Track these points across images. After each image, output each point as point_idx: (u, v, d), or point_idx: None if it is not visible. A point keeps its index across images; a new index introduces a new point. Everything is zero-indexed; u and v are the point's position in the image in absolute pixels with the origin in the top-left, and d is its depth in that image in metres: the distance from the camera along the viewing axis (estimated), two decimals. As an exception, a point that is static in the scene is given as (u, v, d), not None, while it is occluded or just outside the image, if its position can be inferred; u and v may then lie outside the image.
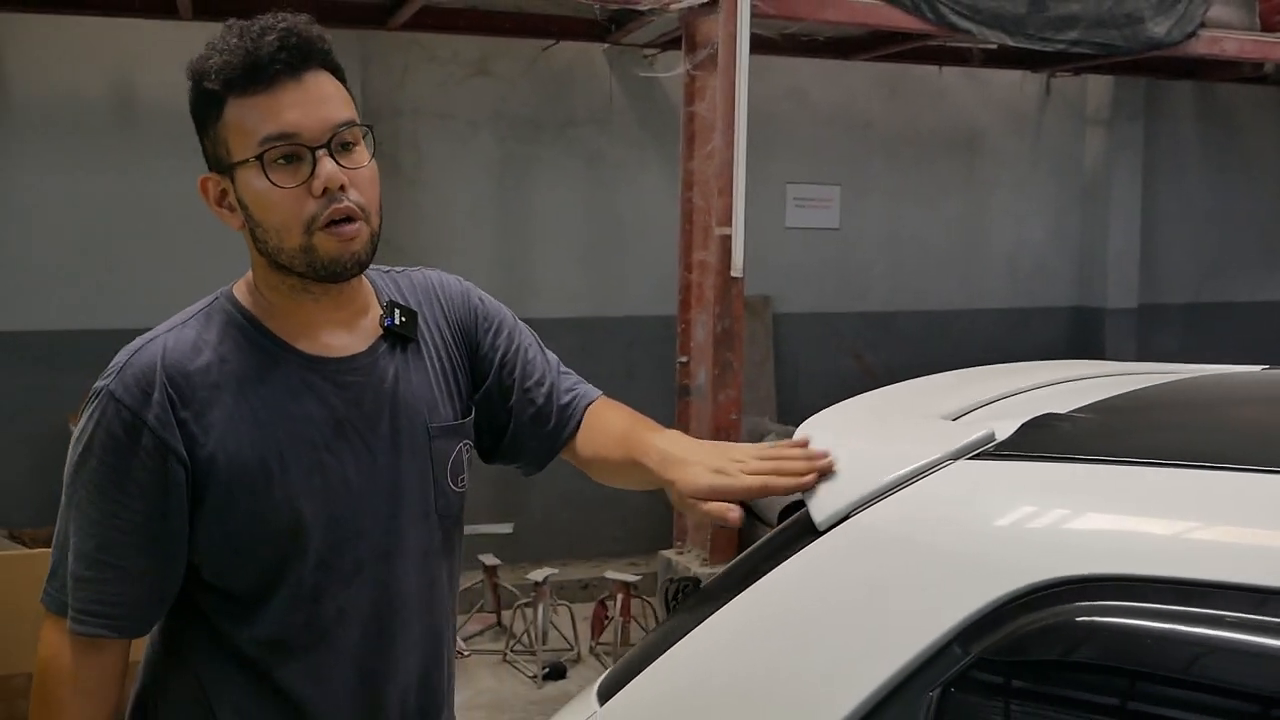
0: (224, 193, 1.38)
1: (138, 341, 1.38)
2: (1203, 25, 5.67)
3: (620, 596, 4.87)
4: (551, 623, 4.93)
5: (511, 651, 4.99)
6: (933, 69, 6.53)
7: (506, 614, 5.18)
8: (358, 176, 1.35)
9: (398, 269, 1.58)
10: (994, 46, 5.83)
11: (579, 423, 1.59)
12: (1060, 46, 5.48)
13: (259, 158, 1.31)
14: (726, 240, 4.66)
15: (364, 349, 1.45)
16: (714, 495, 1.36)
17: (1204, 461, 1.12)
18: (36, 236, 5.16)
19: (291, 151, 1.32)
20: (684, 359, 5.00)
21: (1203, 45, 5.72)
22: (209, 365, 1.36)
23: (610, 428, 1.56)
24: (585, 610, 5.17)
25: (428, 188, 5.78)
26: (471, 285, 1.63)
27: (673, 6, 4.74)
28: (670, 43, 5.54)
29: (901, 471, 1.24)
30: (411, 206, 5.75)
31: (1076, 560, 1.05)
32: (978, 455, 1.25)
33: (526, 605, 4.98)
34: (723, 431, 4.74)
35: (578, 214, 6.07)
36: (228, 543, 1.37)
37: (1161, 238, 7.39)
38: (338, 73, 1.38)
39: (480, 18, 5.48)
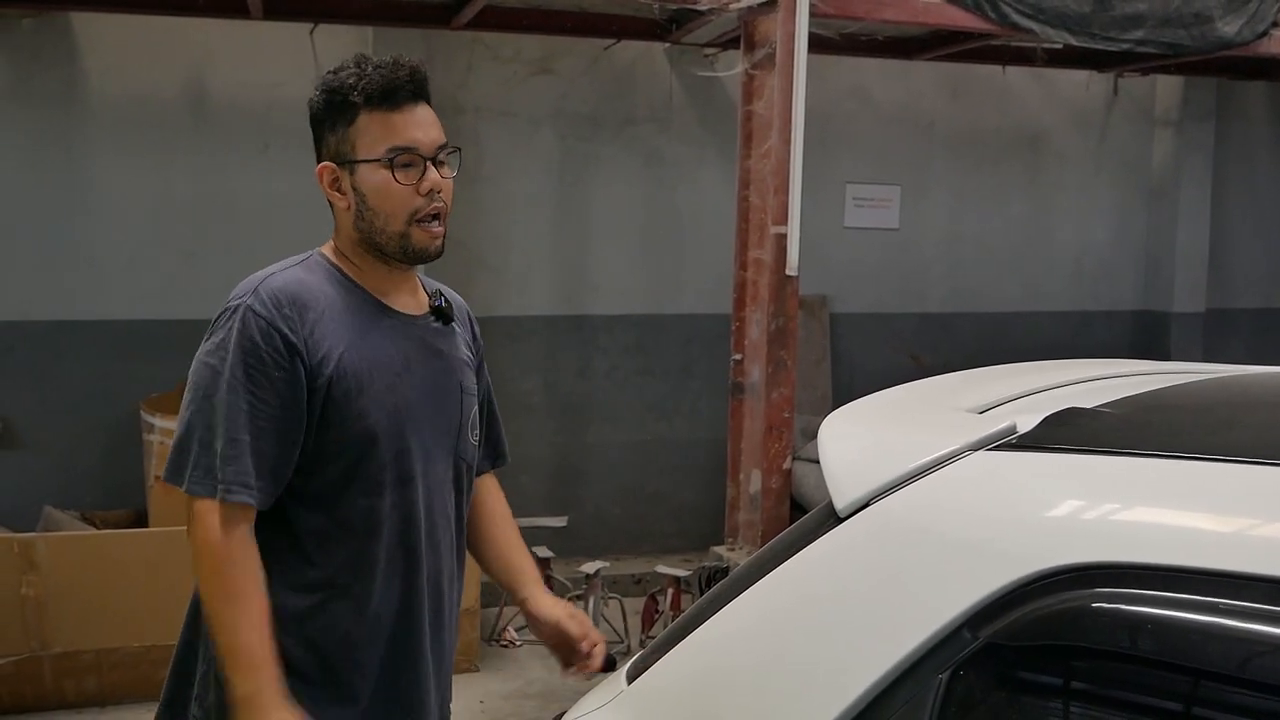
0: (337, 179, 1.78)
1: (258, 275, 1.75)
2: (1275, 25, 5.55)
3: (671, 591, 4.91)
4: (603, 615, 4.98)
5: (563, 643, 5.04)
6: (996, 69, 6.47)
7: (559, 606, 5.24)
8: (447, 187, 1.79)
9: (436, 283, 2.00)
10: (1058, 46, 5.76)
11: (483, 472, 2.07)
12: (1126, 46, 5.39)
13: (390, 161, 1.73)
14: (782, 239, 4.67)
15: (421, 314, 1.88)
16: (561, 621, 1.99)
17: (1220, 455, 1.13)
18: (111, 229, 5.32)
19: (410, 160, 1.74)
20: (738, 356, 5.02)
21: (1275, 45, 5.59)
22: (318, 297, 1.74)
23: (500, 512, 2.10)
24: (636, 604, 5.21)
25: (489, 184, 5.85)
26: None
27: (732, 6, 4.76)
28: (730, 42, 5.56)
29: (922, 460, 1.27)
30: (472, 202, 5.83)
31: (1087, 548, 1.06)
32: (998, 446, 1.27)
33: (578, 597, 5.03)
34: (775, 429, 4.76)
35: (636, 212, 6.12)
36: (325, 431, 1.72)
37: (1231, 241, 7.25)
38: (431, 104, 1.82)
39: (542, 17, 5.54)
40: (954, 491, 1.22)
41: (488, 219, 5.86)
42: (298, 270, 1.78)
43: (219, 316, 1.74)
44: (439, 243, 1.79)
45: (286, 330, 1.68)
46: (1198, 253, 7.05)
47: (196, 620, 1.80)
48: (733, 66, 5.24)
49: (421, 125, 1.76)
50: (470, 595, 4.70)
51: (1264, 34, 5.52)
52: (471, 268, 5.76)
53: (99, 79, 5.30)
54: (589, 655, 2.01)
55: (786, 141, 4.64)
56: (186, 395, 1.73)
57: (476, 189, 5.84)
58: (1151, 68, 6.41)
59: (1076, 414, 1.32)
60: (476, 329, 2.03)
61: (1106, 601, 1.02)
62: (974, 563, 1.12)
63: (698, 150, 6.13)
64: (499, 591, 5.29)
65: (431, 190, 1.75)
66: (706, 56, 5.95)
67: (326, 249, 1.84)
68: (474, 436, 1.93)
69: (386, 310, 1.81)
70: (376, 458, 1.75)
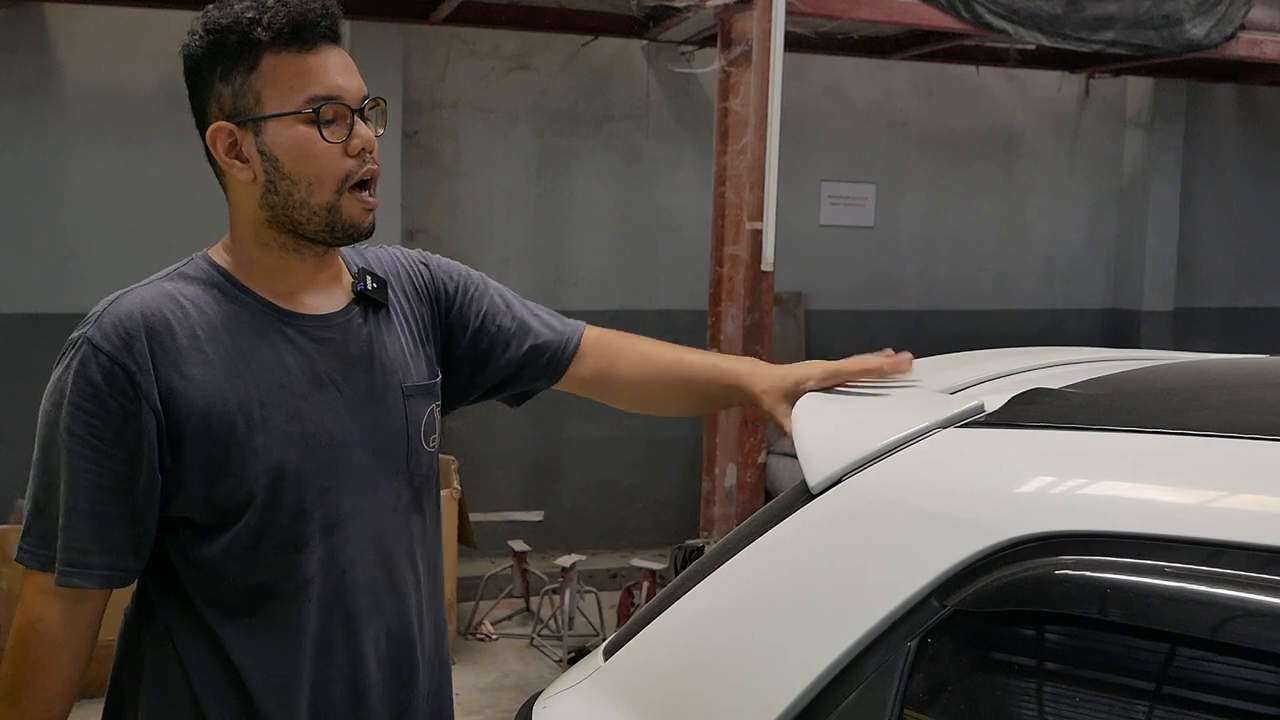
0: (235, 143, 1.42)
1: (115, 294, 1.41)
2: (1243, 27, 5.63)
3: (646, 584, 4.94)
4: (578, 609, 5.01)
5: (539, 636, 5.07)
6: (970, 69, 6.54)
7: (535, 600, 5.26)
8: (377, 148, 1.46)
9: (361, 246, 1.62)
10: (1031, 47, 5.83)
11: (576, 345, 1.70)
12: (1097, 47, 5.47)
13: (315, 112, 1.38)
14: (757, 235, 4.71)
15: (338, 309, 1.51)
16: (799, 387, 1.56)
17: (1175, 428, 1.17)
18: (88, 221, 5.31)
19: (337, 113, 1.40)
20: (713, 351, 5.05)
21: (1243, 47, 5.68)
22: (187, 316, 1.39)
23: (647, 352, 1.70)
24: (612, 598, 5.24)
25: (466, 179, 5.87)
26: (431, 254, 1.70)
27: (709, 3, 4.79)
28: (707, 39, 5.60)
29: (892, 438, 1.30)
30: (450, 198, 5.85)
31: (1049, 517, 1.10)
32: (967, 424, 1.30)
33: (554, 591, 5.06)
34: (749, 424, 4.79)
35: (614, 208, 6.15)
36: (211, 485, 1.39)
37: (1199, 241, 7.35)
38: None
39: (521, 13, 5.56)
40: (923, 467, 1.25)
41: (465, 214, 5.87)
42: (164, 284, 1.42)
43: (65, 348, 1.39)
44: (372, 217, 1.45)
45: (135, 370, 1.34)
46: (1167, 252, 7.15)
47: (129, 651, 1.49)
48: (710, 64, 5.27)
49: (344, 70, 1.41)
50: (446, 588, 4.71)
51: (1232, 36, 5.60)
52: (448, 263, 5.76)
53: (74, 70, 5.28)
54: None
55: (762, 138, 4.67)
56: (37, 441, 1.40)
57: (454, 184, 5.85)
58: (1122, 69, 6.49)
59: (1042, 394, 1.35)
60: (429, 272, 1.65)
61: (1069, 568, 1.05)
62: (941, 534, 1.15)
63: (675, 147, 6.17)
64: (475, 585, 5.35)
65: (363, 150, 1.41)
66: (683, 54, 5.98)
67: (214, 249, 1.49)
68: (430, 443, 1.57)
69: (286, 316, 1.45)
70: (289, 505, 1.41)
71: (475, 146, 5.86)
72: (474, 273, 1.72)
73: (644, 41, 5.91)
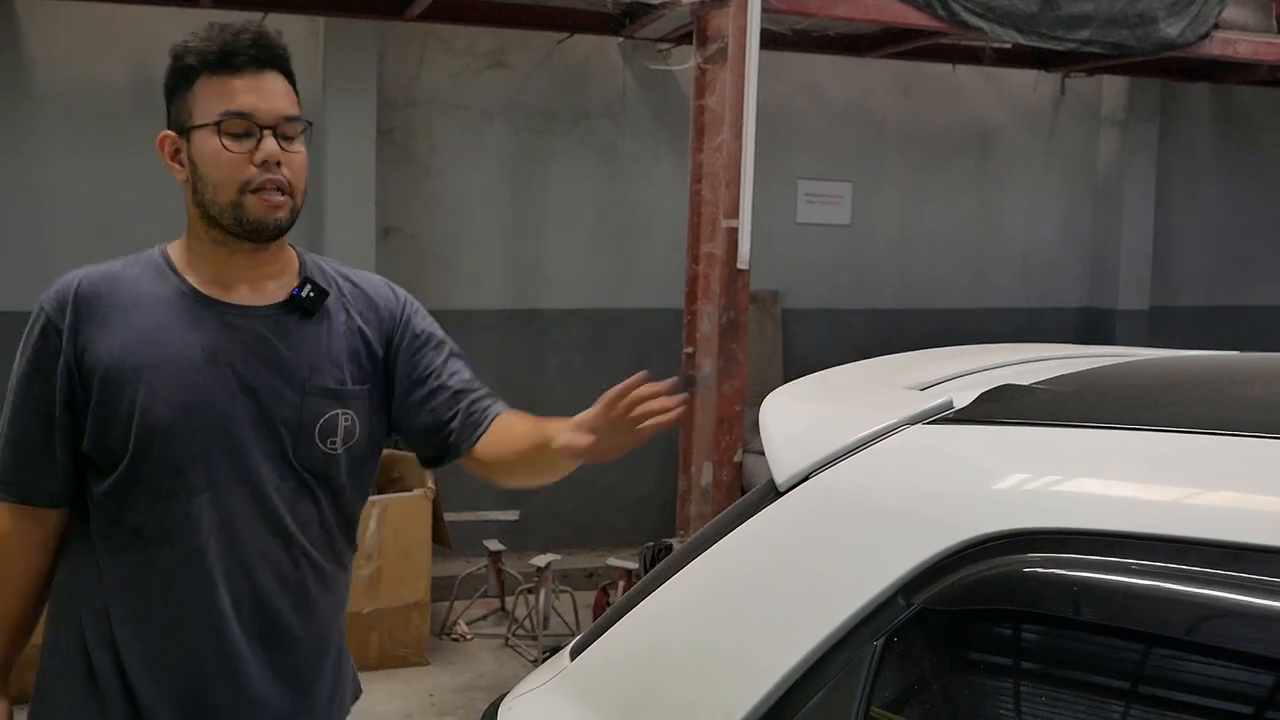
0: (177, 150, 1.69)
1: (72, 270, 1.71)
2: (1217, 26, 5.65)
3: (622, 584, 4.92)
4: (554, 608, 4.99)
5: (514, 635, 5.04)
6: (946, 67, 6.54)
7: (510, 599, 5.24)
8: (292, 160, 1.66)
9: (352, 270, 1.83)
10: (1007, 45, 5.84)
11: (485, 430, 1.78)
12: (1072, 45, 5.48)
13: (218, 124, 1.62)
14: (733, 233, 4.69)
15: (262, 305, 1.71)
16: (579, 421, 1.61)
17: (1144, 425, 1.16)
18: (58, 219, 5.24)
19: (245, 128, 1.63)
20: (690, 350, 5.03)
21: (1216, 47, 5.70)
22: (118, 291, 1.67)
23: (512, 429, 1.78)
24: (588, 598, 5.21)
25: (442, 177, 5.83)
26: (411, 298, 1.85)
27: (684, 0, 4.78)
28: (684, 37, 5.58)
29: (860, 434, 1.29)
30: (426, 196, 5.81)
31: (1017, 515, 1.09)
32: (935, 420, 1.29)
33: (529, 591, 5.03)
34: (726, 422, 4.78)
35: (590, 206, 6.12)
36: (102, 431, 1.64)
37: (1174, 240, 7.38)
38: (291, 79, 1.70)
39: (496, 10, 5.52)
40: (890, 463, 1.24)
41: (440, 212, 5.83)
42: (115, 265, 1.71)
43: None
44: (281, 214, 1.64)
45: (63, 328, 1.64)
46: (1142, 250, 7.18)
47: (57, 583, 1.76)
48: (686, 61, 5.25)
49: (261, 92, 1.63)
50: (419, 589, 4.70)
51: (1206, 36, 5.62)
52: (424, 261, 5.73)
53: (46, 66, 5.22)
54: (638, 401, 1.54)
55: (738, 136, 4.66)
56: None
57: (429, 182, 5.81)
58: (1097, 68, 6.51)
59: (1011, 390, 1.35)
60: (398, 306, 1.80)
61: (1036, 565, 1.04)
62: (907, 531, 1.14)
63: (651, 144, 6.15)
64: (450, 585, 5.32)
65: (267, 161, 1.61)
66: (660, 51, 5.97)
67: (174, 243, 1.75)
68: (328, 444, 1.70)
69: (206, 301, 1.68)
70: (159, 460, 1.63)
71: (450, 144, 5.83)
72: (440, 334, 1.84)
73: (620, 39, 5.89)
